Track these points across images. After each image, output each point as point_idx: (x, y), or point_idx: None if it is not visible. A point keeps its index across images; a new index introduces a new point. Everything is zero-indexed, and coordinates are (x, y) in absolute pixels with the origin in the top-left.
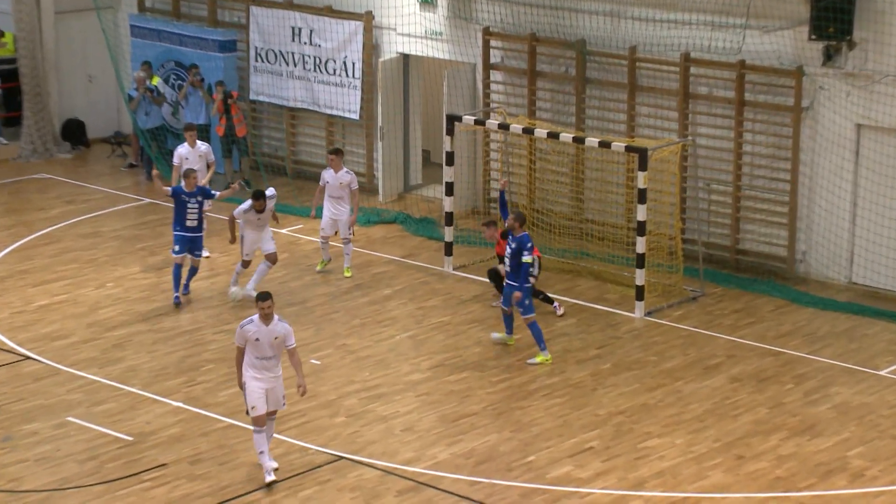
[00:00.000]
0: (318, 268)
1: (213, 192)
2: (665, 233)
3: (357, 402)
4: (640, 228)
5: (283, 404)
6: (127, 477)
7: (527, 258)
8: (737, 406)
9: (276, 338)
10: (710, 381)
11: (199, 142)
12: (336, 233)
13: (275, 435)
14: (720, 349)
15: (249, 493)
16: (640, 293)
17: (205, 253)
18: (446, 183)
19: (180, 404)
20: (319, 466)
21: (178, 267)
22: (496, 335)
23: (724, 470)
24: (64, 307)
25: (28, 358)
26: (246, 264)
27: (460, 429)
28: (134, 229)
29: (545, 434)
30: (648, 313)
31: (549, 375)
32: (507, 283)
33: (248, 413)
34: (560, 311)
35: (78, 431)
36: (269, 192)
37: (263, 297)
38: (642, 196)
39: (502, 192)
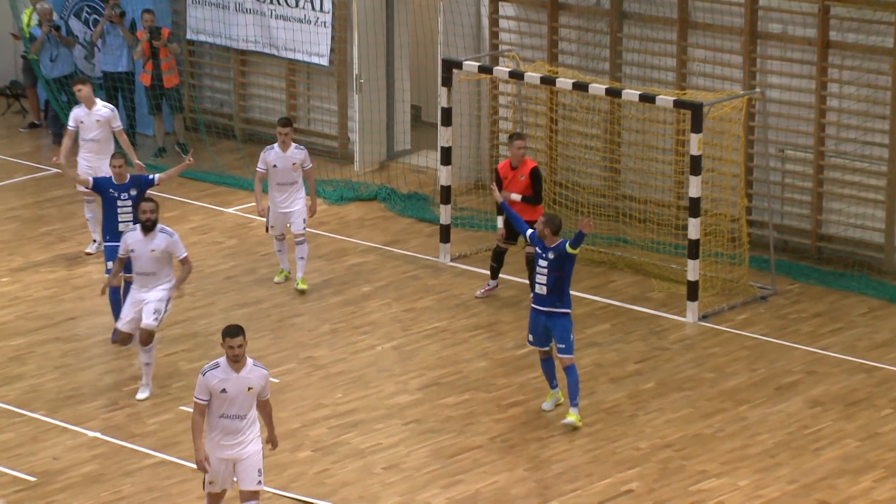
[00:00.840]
0: (277, 279)
1: (151, 176)
2: (726, 213)
3: (327, 433)
4: (694, 208)
5: (259, 481)
6: None
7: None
8: (818, 437)
9: (249, 388)
10: (783, 405)
11: (99, 102)
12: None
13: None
14: (797, 363)
15: None
16: (692, 291)
17: (90, 248)
18: (442, 148)
19: (97, 434)
20: None
21: (116, 291)
22: (547, 404)
23: None
24: None
25: None
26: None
27: (460, 466)
28: (36, 208)
29: (570, 473)
30: (704, 317)
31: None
32: (535, 308)
33: (203, 488)
34: (480, 293)
35: None
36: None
37: (232, 332)
38: (696, 166)
39: (503, 205)
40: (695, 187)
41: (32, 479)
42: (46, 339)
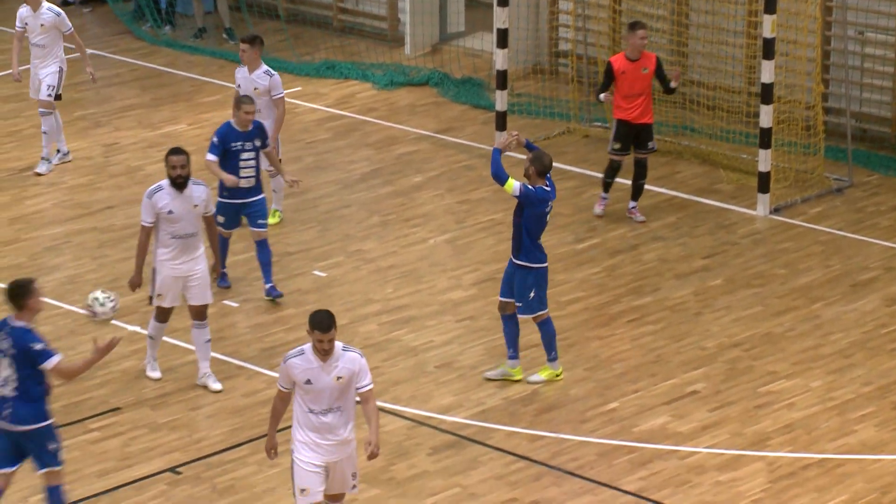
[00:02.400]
0: (273, 220)
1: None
2: (800, 100)
3: (377, 329)
4: (766, 94)
5: (355, 486)
6: (67, 425)
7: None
8: None
9: (338, 378)
10: (859, 304)
11: (45, 4)
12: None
13: (266, 371)
14: (874, 259)
15: (232, 447)
16: (764, 182)
17: (42, 167)
18: (498, 30)
19: (137, 328)
20: None
21: (226, 242)
22: (535, 377)
23: (876, 423)
24: None
25: None
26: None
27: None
28: (71, 90)
29: (632, 373)
30: (775, 210)
31: (638, 295)
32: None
33: (294, 497)
34: (639, 217)
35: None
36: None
37: (322, 324)
38: (769, 49)
39: (497, 151)
40: (767, 72)
41: None
42: (83, 228)
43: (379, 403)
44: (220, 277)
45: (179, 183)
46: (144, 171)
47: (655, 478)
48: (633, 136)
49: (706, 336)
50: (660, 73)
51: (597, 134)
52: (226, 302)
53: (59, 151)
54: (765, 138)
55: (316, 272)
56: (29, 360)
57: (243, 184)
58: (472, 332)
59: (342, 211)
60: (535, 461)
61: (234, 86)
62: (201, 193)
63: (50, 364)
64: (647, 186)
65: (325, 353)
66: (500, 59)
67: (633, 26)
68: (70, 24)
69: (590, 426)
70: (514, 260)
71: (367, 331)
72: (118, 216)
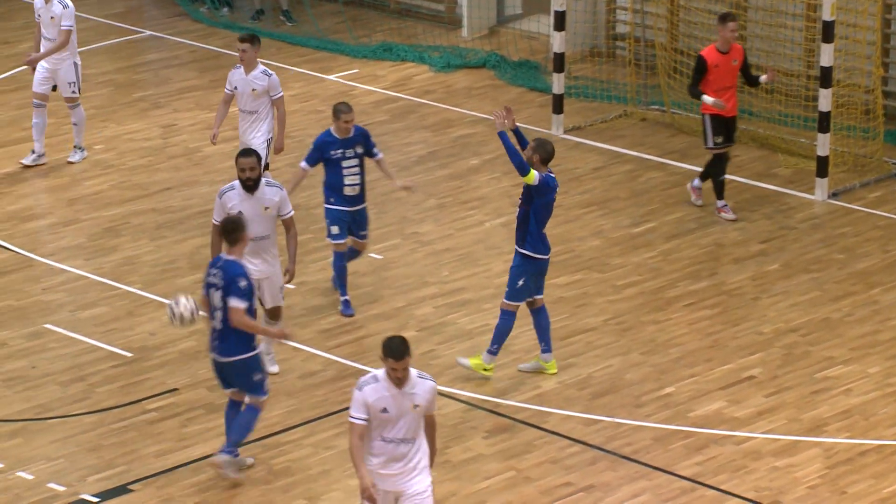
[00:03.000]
0: None
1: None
2: (859, 84)
3: (432, 312)
4: (825, 77)
5: None
6: (125, 405)
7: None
8: None
9: (414, 406)
10: None
11: None
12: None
13: (323, 354)
14: None
15: (288, 429)
16: (822, 167)
17: (26, 159)
18: (555, 12)
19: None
20: None
21: (341, 257)
22: (463, 360)
23: None
24: (37, 177)
25: None
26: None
27: (573, 349)
28: (130, 72)
29: (688, 358)
30: (834, 194)
31: (695, 279)
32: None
33: None
34: (730, 215)
35: (60, 344)
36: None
37: (396, 352)
38: (829, 32)
39: (504, 134)
40: (827, 55)
41: (128, 354)
42: (141, 209)
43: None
44: (343, 305)
45: (249, 185)
46: (202, 153)
47: (711, 463)
48: (726, 127)
49: (763, 321)
50: (745, 65)
51: (654, 117)
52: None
53: (33, 152)
54: (823, 122)
55: (372, 254)
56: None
57: (348, 191)
58: (527, 314)
59: (399, 193)
60: (591, 445)
61: (291, 68)
62: (273, 195)
63: (233, 303)
64: (701, 170)
65: (399, 381)
66: (558, 42)
67: (724, 18)
68: (70, 23)
69: (645, 411)
70: (519, 249)
71: (422, 314)
72: (176, 198)
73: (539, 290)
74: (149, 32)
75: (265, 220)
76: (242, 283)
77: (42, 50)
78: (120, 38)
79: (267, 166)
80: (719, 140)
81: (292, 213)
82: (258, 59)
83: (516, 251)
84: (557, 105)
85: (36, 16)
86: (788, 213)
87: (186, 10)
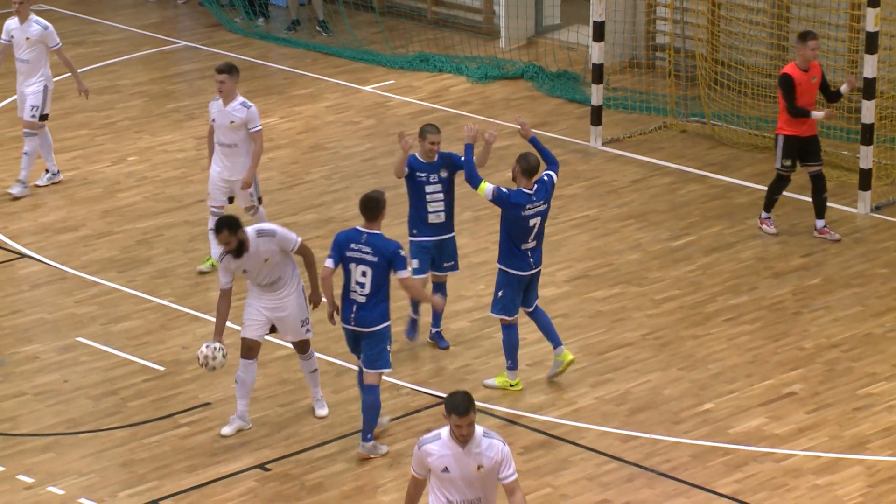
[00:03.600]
0: (203, 266)
1: (462, 157)
2: None
3: (468, 326)
4: (868, 89)
5: None
6: (157, 420)
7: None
8: None
9: (479, 468)
10: None
11: (34, 16)
12: (232, 201)
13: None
14: None
15: (323, 444)
16: (865, 180)
17: (16, 188)
18: (594, 23)
19: (228, 323)
20: (415, 412)
21: (442, 289)
22: (490, 381)
23: None
24: (71, 188)
25: (24, 256)
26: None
27: (610, 364)
28: (165, 82)
29: (728, 374)
30: (877, 208)
31: (735, 294)
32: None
33: None
34: (771, 229)
35: (91, 357)
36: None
37: (459, 408)
38: (872, 43)
39: (469, 147)
40: (870, 67)
41: (161, 368)
42: (175, 221)
43: None
44: (437, 337)
45: (235, 252)
46: None
47: (751, 480)
48: (800, 150)
49: (804, 336)
50: (824, 82)
51: (693, 129)
52: None
53: (47, 171)
54: (866, 134)
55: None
56: (387, 265)
57: (433, 219)
58: (564, 329)
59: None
60: (628, 462)
61: (327, 79)
62: (268, 245)
63: (403, 274)
64: (743, 183)
65: (463, 438)
66: (597, 53)
67: (805, 36)
68: (58, 40)
69: (684, 427)
70: (498, 262)
71: (458, 328)
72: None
73: (528, 303)
74: (183, 43)
75: (270, 268)
76: (402, 252)
77: (18, 72)
78: (154, 48)
79: (259, 200)
80: (787, 163)
81: (298, 241)
82: (246, 91)
83: (499, 267)
84: (596, 116)
85: (4, 38)
86: (830, 226)
87: (221, 20)
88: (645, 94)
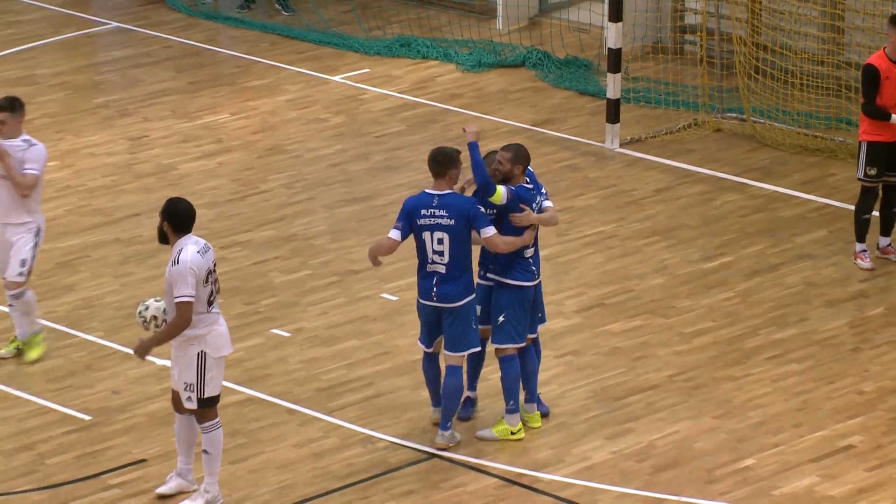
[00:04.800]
0: (5, 351)
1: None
2: None
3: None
4: None
5: None
6: (82, 480)
7: (520, 243)
8: None
9: None
10: None
11: None
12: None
13: (324, 416)
14: None
15: None
16: None
17: None
18: (610, 0)
19: (167, 363)
20: (396, 469)
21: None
22: (485, 432)
23: None
24: None
25: None
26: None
27: (630, 412)
28: (90, 72)
29: (772, 423)
30: None
31: (780, 326)
32: (483, 283)
33: None
34: (866, 264)
35: (3, 404)
36: None
37: None
38: None
39: (475, 145)
40: None
41: (86, 417)
42: (104, 240)
43: (458, 457)
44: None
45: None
46: (178, 171)
47: None
48: (886, 157)
49: (864, 378)
50: None
51: (731, 127)
52: (275, 331)
53: None
54: None
55: (385, 295)
56: (467, 225)
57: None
58: (575, 369)
59: None
60: None
61: (288, 67)
62: (171, 268)
63: (488, 232)
64: (790, 192)
65: None
66: (613, 36)
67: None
68: None
69: (719, 487)
70: (496, 276)
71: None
72: (146, 226)
73: (534, 327)
74: (114, 24)
75: (168, 299)
76: (481, 207)
77: None
78: (78, 30)
79: (29, 273)
80: (872, 172)
81: (184, 298)
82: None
83: (497, 283)
84: (612, 112)
85: None
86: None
87: None
88: (672, 86)
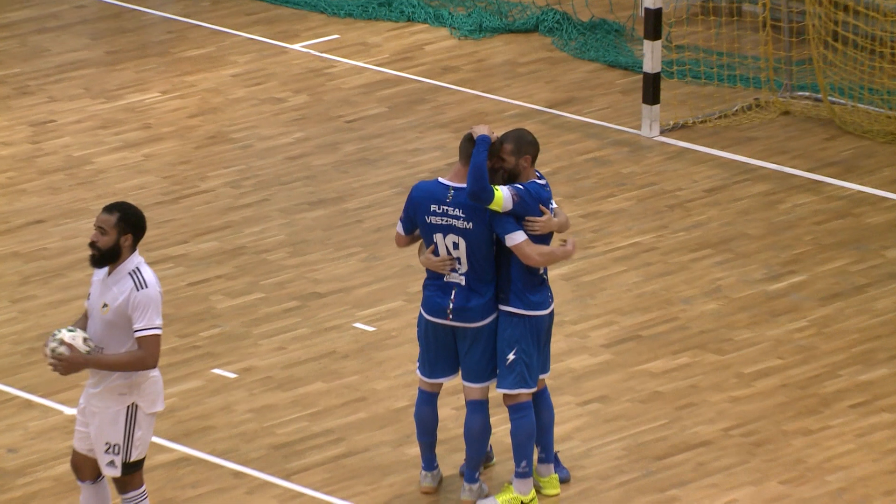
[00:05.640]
0: None
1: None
2: None
3: (452, 416)
4: None
5: None
6: None
7: (532, 254)
8: None
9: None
10: None
11: None
12: None
13: (281, 482)
14: None
15: None
16: None
17: None
18: None
19: (74, 412)
20: None
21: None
22: (488, 500)
23: None
24: None
25: None
26: None
27: (675, 474)
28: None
29: (858, 489)
30: None
31: (868, 365)
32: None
33: None
34: None
35: None
36: None
37: None
38: None
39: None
40: None
41: None
42: (8, 269)
43: None
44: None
45: (94, 256)
46: (94, 166)
47: None
48: None
49: None
50: None
51: (802, 109)
52: (217, 371)
53: None
54: None
55: (358, 325)
56: (489, 231)
57: None
58: (603, 420)
59: (393, 230)
60: None
61: (235, 32)
62: (125, 287)
63: (517, 237)
64: (876, 192)
65: None
66: None
67: None
68: None
69: None
70: (502, 305)
71: (443, 416)
72: (52, 236)
73: (546, 365)
74: None
75: (101, 324)
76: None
77: None
78: None
79: None
80: None
81: (151, 331)
82: None
83: (504, 313)
84: (651, 91)
85: None
86: None
87: None
88: (726, 57)
